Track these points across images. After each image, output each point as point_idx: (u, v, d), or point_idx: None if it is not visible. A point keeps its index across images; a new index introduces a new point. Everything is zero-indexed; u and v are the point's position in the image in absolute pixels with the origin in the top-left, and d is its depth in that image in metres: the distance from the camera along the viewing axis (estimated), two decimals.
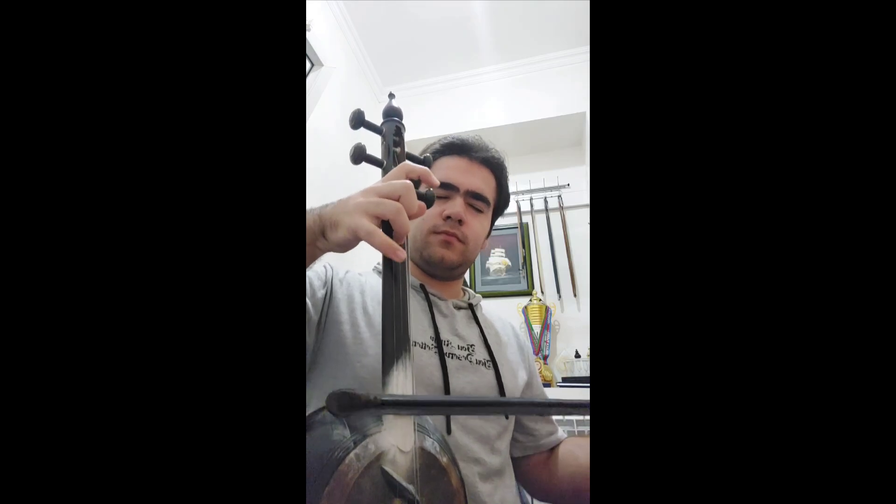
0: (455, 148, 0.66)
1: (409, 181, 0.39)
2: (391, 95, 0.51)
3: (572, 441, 0.67)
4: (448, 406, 0.36)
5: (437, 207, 0.62)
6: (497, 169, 0.68)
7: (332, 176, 1.58)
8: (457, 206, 0.62)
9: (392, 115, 0.48)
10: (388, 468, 0.27)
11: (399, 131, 0.48)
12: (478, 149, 0.66)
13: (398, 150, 0.47)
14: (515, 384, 0.61)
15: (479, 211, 0.65)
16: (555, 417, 0.71)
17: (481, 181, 0.65)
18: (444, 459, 0.32)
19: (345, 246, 0.39)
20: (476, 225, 0.64)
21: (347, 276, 0.62)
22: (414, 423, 0.30)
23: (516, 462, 0.63)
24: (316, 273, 0.59)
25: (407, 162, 0.41)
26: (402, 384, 0.32)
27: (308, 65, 1.66)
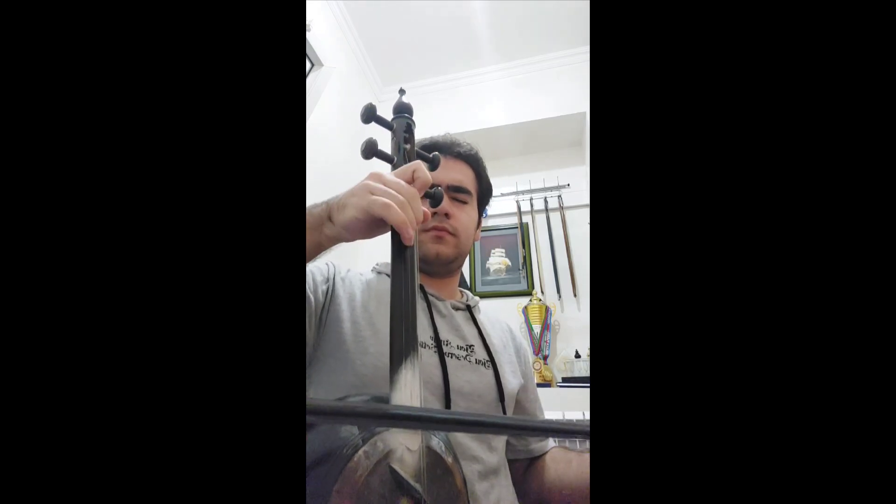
0: (428, 149, 0.68)
1: (416, 190, 0.40)
2: (401, 91, 0.51)
3: (556, 453, 0.67)
4: (452, 423, 0.36)
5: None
6: (472, 160, 0.70)
7: (333, 175, 1.58)
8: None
9: (403, 111, 0.48)
10: (396, 466, 0.27)
11: (409, 128, 0.48)
12: (450, 145, 0.69)
13: (408, 146, 0.47)
14: (513, 385, 0.62)
15: (464, 202, 0.67)
16: (554, 418, 0.71)
17: (459, 174, 0.67)
18: (449, 459, 0.32)
19: (351, 228, 0.39)
20: (463, 216, 0.66)
21: (349, 274, 0.63)
22: None
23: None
24: (319, 269, 0.60)
25: (420, 163, 0.42)
26: (409, 383, 0.32)
27: (308, 65, 1.66)
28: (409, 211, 0.38)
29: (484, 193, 0.72)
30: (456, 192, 0.66)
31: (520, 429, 0.45)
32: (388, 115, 0.49)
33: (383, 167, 0.46)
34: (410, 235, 0.38)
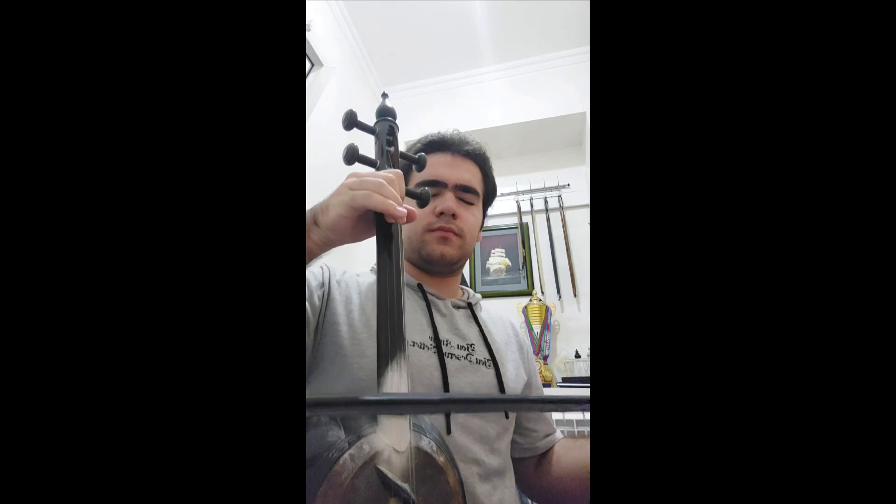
0: (437, 145, 0.67)
1: (398, 172, 0.42)
2: (384, 95, 0.51)
3: (564, 443, 0.67)
4: (444, 404, 0.36)
5: (428, 205, 0.62)
6: (480, 160, 0.68)
7: (332, 175, 1.58)
8: (448, 200, 0.62)
9: (385, 114, 0.48)
10: (382, 468, 0.27)
11: (392, 131, 0.48)
12: (459, 143, 0.67)
13: (392, 149, 0.47)
14: (516, 384, 0.61)
15: (470, 203, 0.65)
16: (554, 417, 0.71)
17: (468, 173, 0.66)
18: (441, 459, 0.31)
19: (337, 228, 0.40)
20: (469, 217, 0.65)
21: (345, 276, 0.62)
22: (409, 423, 0.30)
23: (514, 464, 0.63)
24: (313, 274, 0.58)
25: (399, 174, 0.43)
26: (396, 385, 0.31)
27: (308, 65, 1.66)
28: (387, 190, 0.39)
29: (489, 194, 0.71)
30: (464, 192, 0.64)
31: (513, 402, 0.46)
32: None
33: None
34: (396, 214, 0.38)
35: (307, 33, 1.53)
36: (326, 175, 1.53)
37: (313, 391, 0.52)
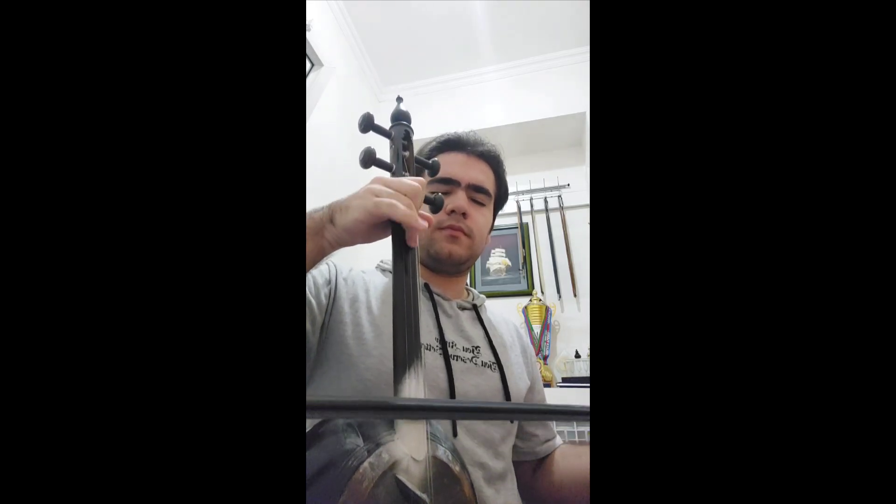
0: (452, 144, 0.67)
1: (422, 181, 0.41)
2: (399, 99, 0.51)
3: (564, 448, 0.67)
4: (451, 411, 0.36)
5: None
6: (494, 162, 0.68)
7: (332, 176, 1.58)
8: (459, 199, 0.62)
9: (401, 118, 0.48)
10: (402, 477, 0.27)
11: (408, 135, 0.48)
12: (474, 143, 0.67)
13: (407, 154, 0.47)
14: (519, 387, 0.61)
15: (482, 204, 0.65)
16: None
17: (481, 174, 0.66)
18: (456, 468, 0.31)
19: (353, 230, 0.40)
20: (479, 218, 0.65)
21: (352, 273, 0.61)
22: (427, 431, 0.30)
23: (514, 467, 0.63)
24: (320, 271, 0.58)
25: (422, 186, 0.42)
26: (414, 392, 0.31)
27: (308, 65, 1.66)
28: (414, 209, 0.39)
29: (501, 197, 0.71)
30: (476, 192, 0.64)
31: (517, 412, 0.46)
32: (387, 113, 0.49)
33: (375, 172, 0.46)
34: (419, 228, 0.38)
35: (307, 33, 1.53)
36: (326, 174, 1.53)
37: (317, 390, 0.52)
